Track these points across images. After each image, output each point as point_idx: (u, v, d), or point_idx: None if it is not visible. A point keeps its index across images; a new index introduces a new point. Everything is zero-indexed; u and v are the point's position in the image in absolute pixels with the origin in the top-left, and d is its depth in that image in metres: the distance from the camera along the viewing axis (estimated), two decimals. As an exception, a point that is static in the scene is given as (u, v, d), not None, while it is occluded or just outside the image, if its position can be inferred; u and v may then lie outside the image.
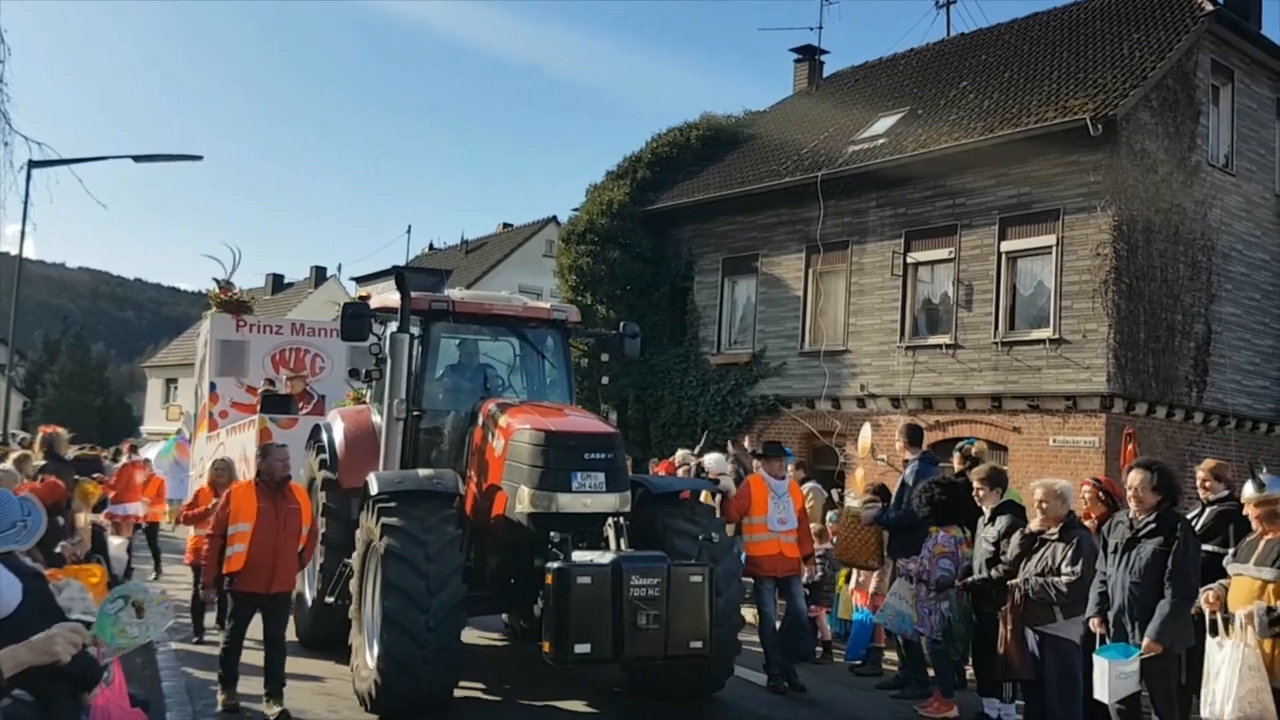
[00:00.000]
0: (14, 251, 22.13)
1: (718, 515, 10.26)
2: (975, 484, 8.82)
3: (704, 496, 10.58)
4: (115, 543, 13.40)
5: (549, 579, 7.24)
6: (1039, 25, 22.60)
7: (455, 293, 10.04)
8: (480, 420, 9.00)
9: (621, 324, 10.55)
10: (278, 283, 57.88)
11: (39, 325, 69.49)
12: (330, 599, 9.43)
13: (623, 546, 7.73)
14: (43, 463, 12.35)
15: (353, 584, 8.57)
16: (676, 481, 10.38)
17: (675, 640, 7.30)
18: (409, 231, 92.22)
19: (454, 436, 9.49)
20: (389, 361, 9.07)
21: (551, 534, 7.80)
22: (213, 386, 16.23)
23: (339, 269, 52.52)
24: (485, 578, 8.69)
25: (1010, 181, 18.02)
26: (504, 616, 11.25)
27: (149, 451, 26.89)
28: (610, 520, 7.93)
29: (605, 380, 10.51)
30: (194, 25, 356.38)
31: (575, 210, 25.06)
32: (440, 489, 8.26)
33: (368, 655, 8.09)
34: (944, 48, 25.09)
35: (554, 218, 41.54)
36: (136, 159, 21.47)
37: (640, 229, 23.75)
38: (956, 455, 10.35)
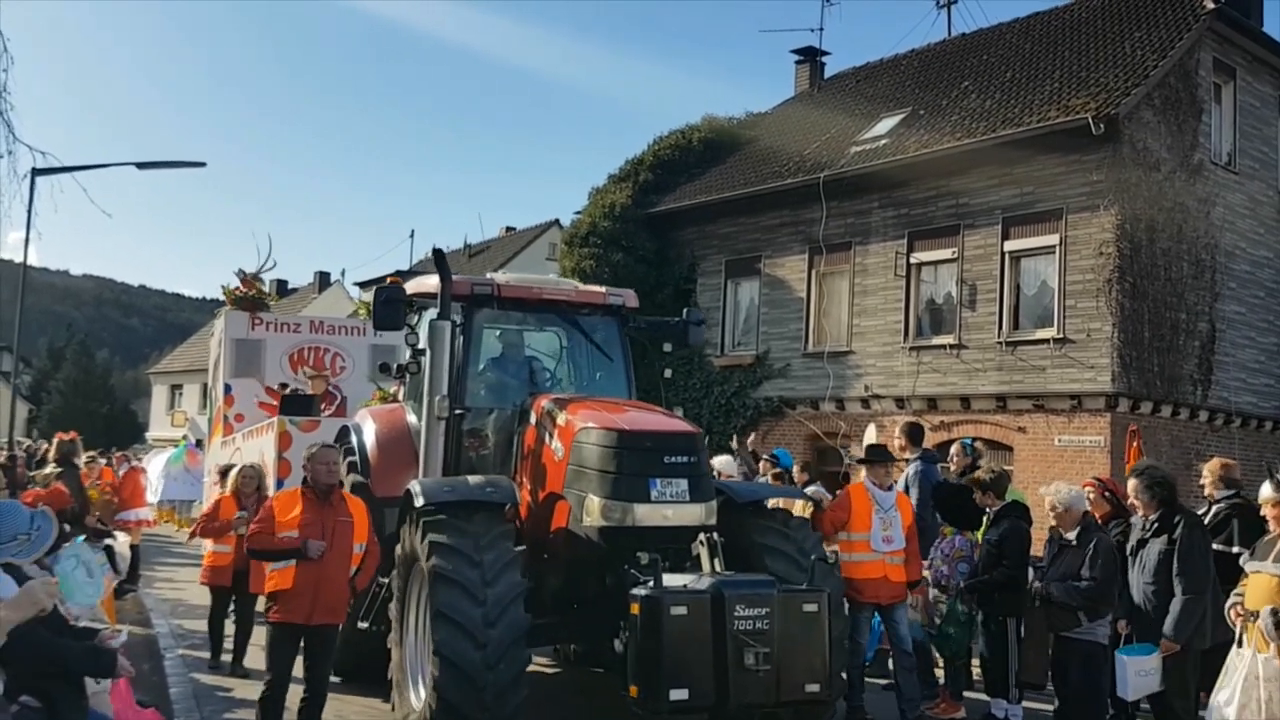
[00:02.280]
0: (18, 259, 22.07)
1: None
2: (975, 491, 8.84)
3: (799, 507, 9.17)
4: (121, 537, 13.42)
5: (635, 608, 6.11)
6: (1040, 25, 22.60)
7: (499, 276, 9.10)
8: (533, 418, 7.91)
9: (685, 310, 9.62)
10: (281, 288, 57.89)
11: (44, 333, 69.67)
12: (364, 624, 8.23)
13: (717, 567, 6.67)
14: (57, 469, 12.44)
15: (392, 608, 7.50)
16: (764, 489, 9.05)
17: (788, 683, 6.18)
18: (412, 236, 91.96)
19: (500, 438, 8.43)
20: (427, 353, 7.99)
21: (639, 555, 6.68)
22: (228, 388, 15.39)
23: (343, 274, 52.64)
24: (544, 601, 7.38)
25: (1013, 181, 18.01)
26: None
27: (152, 459, 26.98)
28: (702, 536, 6.86)
29: (668, 373, 9.31)
30: (195, 32, 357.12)
31: (578, 213, 25.09)
32: (496, 498, 7.14)
33: (412, 695, 7.12)
34: (945, 48, 25.10)
35: (556, 221, 41.53)
36: (140, 166, 21.42)
37: (643, 231, 23.76)
38: (956, 458, 10.33)
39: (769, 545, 7.37)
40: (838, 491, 9.59)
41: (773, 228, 21.95)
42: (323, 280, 54.85)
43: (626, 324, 9.16)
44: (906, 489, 9.98)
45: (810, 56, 28.22)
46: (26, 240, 20.54)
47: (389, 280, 9.31)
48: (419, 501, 6.97)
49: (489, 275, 9.04)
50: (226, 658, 10.04)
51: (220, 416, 15.66)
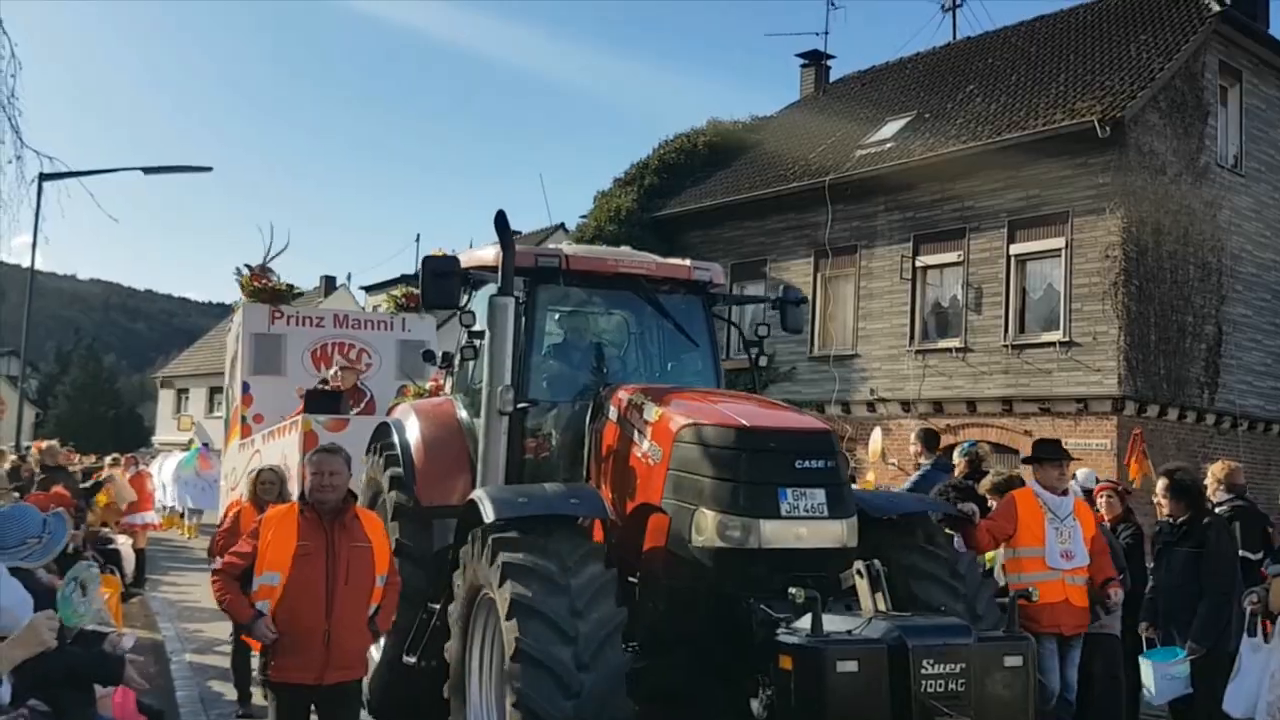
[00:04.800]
0: (25, 263, 22.17)
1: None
2: (987, 496, 8.75)
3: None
4: (122, 540, 13.46)
5: (786, 662, 4.87)
6: (1045, 28, 22.59)
7: (567, 247, 7.97)
8: (612, 413, 6.60)
9: (782, 288, 8.53)
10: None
11: (51, 337, 69.83)
12: (411, 659, 6.81)
13: (882, 605, 5.37)
14: (41, 475, 12.50)
15: (449, 646, 6.14)
16: (904, 499, 7.48)
17: None
18: (418, 240, 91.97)
19: (566, 437, 7.10)
20: (486, 336, 6.73)
21: (793, 591, 5.13)
22: (245, 387, 14.32)
23: (349, 278, 52.44)
24: (633, 638, 5.77)
25: (1018, 184, 18.01)
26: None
27: (161, 463, 27.05)
28: (859, 564, 5.51)
29: (765, 361, 7.84)
30: (200, 36, 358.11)
31: (583, 217, 25.13)
32: (583, 511, 5.87)
33: None
34: (950, 51, 25.10)
35: (562, 225, 41.53)
36: (146, 171, 21.54)
37: (648, 235, 23.71)
38: (961, 460, 10.26)
39: (921, 572, 6.01)
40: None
41: (778, 231, 21.95)
42: (329, 284, 54.83)
43: (713, 304, 7.92)
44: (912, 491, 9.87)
45: (815, 60, 28.23)
46: (34, 245, 20.60)
47: (436, 252, 8.08)
48: (488, 515, 5.67)
49: (554, 246, 7.96)
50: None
51: (238, 417, 14.67)
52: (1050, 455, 7.47)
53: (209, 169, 23.23)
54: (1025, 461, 7.87)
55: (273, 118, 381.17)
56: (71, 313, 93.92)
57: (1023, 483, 8.87)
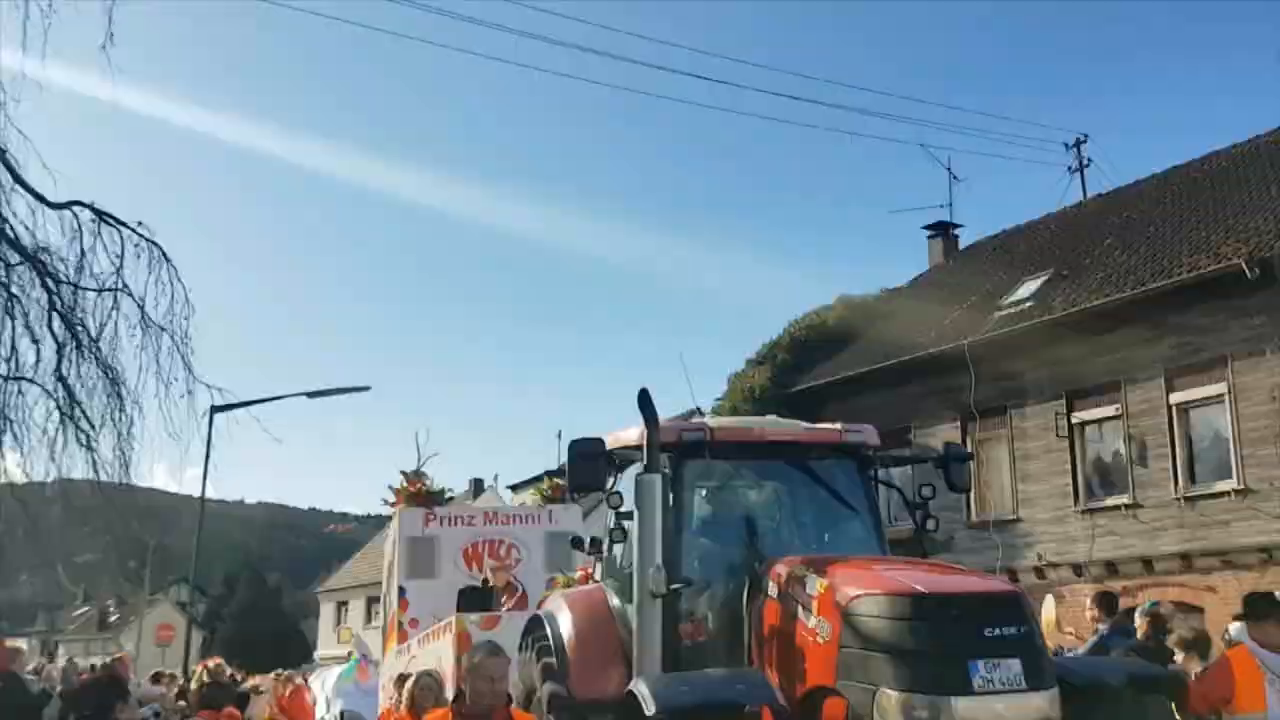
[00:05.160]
0: (196, 493, 23.09)
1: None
2: (1177, 652, 8.20)
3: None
4: None
5: None
6: (1179, 178, 22.31)
7: (712, 420, 7.82)
8: (772, 589, 6.27)
9: (945, 444, 8.34)
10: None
11: (219, 560, 72.31)
12: None
13: None
14: (205, 687, 12.75)
15: None
16: (1111, 665, 6.84)
17: None
18: (559, 436, 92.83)
19: (723, 618, 6.76)
20: (635, 516, 6.57)
21: None
22: (402, 591, 14.43)
23: (495, 479, 53.25)
24: None
25: (1170, 332, 17.53)
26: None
27: (322, 677, 27.28)
28: None
29: (931, 526, 7.52)
30: (347, 258, 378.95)
31: (719, 400, 25.17)
32: (752, 699, 5.41)
33: None
34: (1082, 210, 24.96)
35: (698, 409, 41.63)
36: (310, 395, 22.54)
37: (785, 412, 23.44)
38: (1142, 621, 9.64)
39: None
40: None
41: (920, 397, 21.58)
42: (477, 487, 55.74)
43: (869, 467, 7.72)
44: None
45: (942, 230, 28.22)
46: (204, 476, 21.11)
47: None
48: (650, 708, 5.36)
49: (697, 420, 7.81)
50: None
51: (395, 622, 14.78)
52: (1269, 611, 6.91)
53: (367, 388, 24.11)
54: (1238, 618, 7.33)
55: (414, 329, 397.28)
56: (239, 536, 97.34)
57: (1210, 640, 8.29)
